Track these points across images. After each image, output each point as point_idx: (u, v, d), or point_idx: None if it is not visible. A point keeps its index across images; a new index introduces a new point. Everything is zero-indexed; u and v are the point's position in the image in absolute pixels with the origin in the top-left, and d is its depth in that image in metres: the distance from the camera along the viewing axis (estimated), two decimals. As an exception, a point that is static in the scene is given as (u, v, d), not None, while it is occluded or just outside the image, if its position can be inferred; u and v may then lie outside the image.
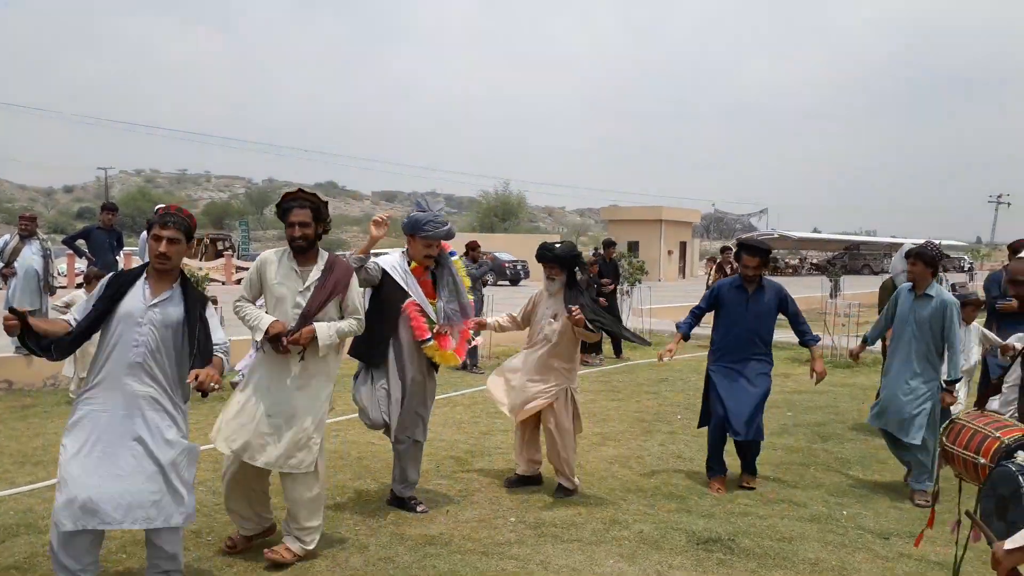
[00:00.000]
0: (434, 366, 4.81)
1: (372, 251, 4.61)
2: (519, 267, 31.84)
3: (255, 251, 41.26)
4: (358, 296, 4.16)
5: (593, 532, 4.54)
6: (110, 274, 3.41)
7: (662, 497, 5.22)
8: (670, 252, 42.84)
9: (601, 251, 12.20)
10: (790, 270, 53.04)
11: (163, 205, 3.52)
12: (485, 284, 11.14)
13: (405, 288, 4.69)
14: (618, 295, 12.63)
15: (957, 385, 5.27)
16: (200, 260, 31.87)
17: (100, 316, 3.23)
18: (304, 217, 3.91)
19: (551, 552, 4.22)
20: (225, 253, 33.90)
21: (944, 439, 3.25)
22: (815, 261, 55.75)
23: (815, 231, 70.66)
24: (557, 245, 5.24)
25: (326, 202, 4.06)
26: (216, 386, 3.14)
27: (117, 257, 9.68)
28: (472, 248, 11.07)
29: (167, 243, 3.26)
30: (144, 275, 3.35)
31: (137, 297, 3.27)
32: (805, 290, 24.48)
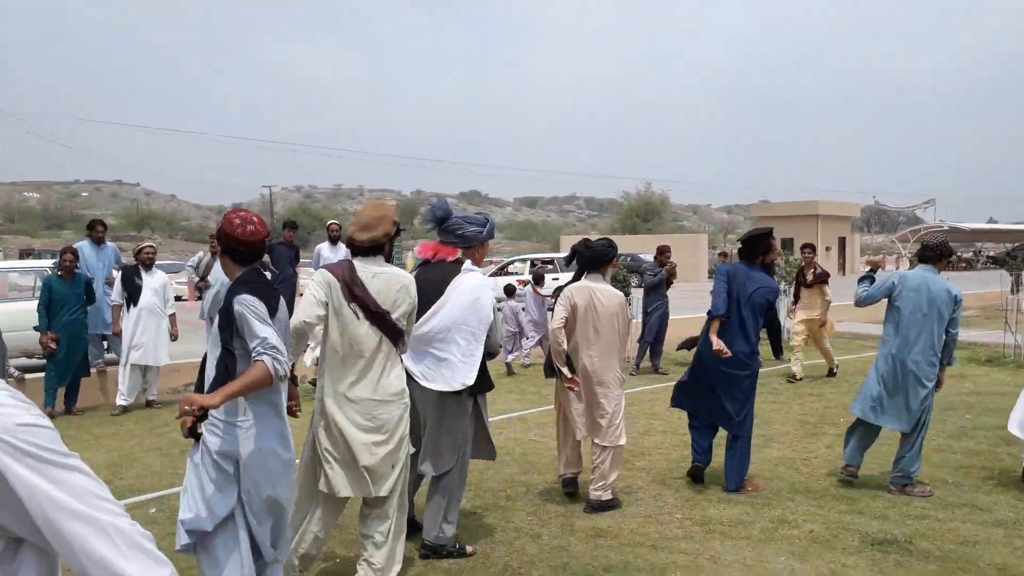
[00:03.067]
0: None
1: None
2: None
3: (407, 259, 43.04)
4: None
5: (762, 530, 4.56)
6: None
7: (831, 498, 5.14)
8: (828, 248, 40.87)
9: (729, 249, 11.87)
10: (963, 264, 49.15)
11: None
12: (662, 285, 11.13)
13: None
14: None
15: None
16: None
17: None
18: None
19: (720, 548, 4.29)
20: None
21: None
22: (992, 254, 51.31)
23: (991, 221, 65.00)
24: (596, 239, 5.25)
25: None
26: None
27: (296, 270, 10.54)
28: (661, 252, 11.14)
29: None
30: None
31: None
32: (982, 286, 22.72)
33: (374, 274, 3.61)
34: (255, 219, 3.11)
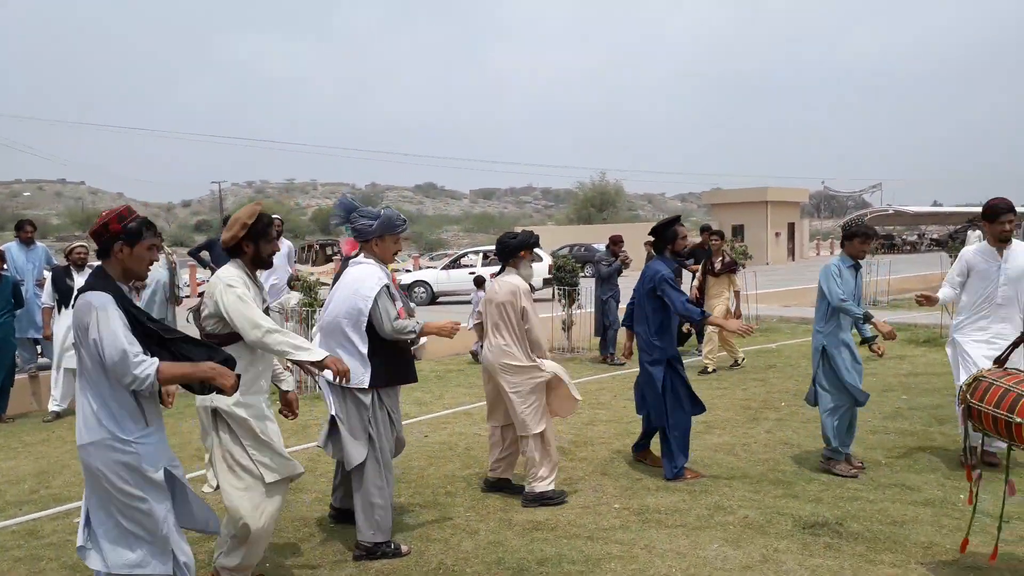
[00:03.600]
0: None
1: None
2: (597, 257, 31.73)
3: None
4: (227, 295, 3.60)
5: (697, 517, 4.58)
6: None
7: (768, 483, 5.19)
8: (777, 234, 41.55)
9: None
10: (908, 247, 50.38)
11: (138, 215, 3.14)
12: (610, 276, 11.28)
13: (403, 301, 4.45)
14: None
15: None
16: (311, 265, 33.29)
17: None
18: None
19: (655, 537, 4.30)
20: (334, 258, 35.32)
21: (969, 396, 3.37)
22: (935, 236, 52.75)
23: (935, 204, 66.79)
24: (519, 231, 5.27)
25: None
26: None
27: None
28: (614, 243, 11.18)
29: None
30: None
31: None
32: (924, 267, 23.30)
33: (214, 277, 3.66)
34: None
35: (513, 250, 5.04)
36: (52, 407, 7.94)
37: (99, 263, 3.05)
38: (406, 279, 21.66)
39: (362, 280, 4.15)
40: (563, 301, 11.52)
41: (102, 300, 2.77)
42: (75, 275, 8.02)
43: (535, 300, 5.17)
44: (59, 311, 7.96)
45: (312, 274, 11.04)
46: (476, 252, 22.83)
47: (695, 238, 11.92)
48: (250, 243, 3.63)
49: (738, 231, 38.87)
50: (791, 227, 43.24)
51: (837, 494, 4.91)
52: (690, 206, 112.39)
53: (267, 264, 3.72)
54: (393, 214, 4.36)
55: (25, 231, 9.16)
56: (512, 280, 4.97)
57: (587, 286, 12.06)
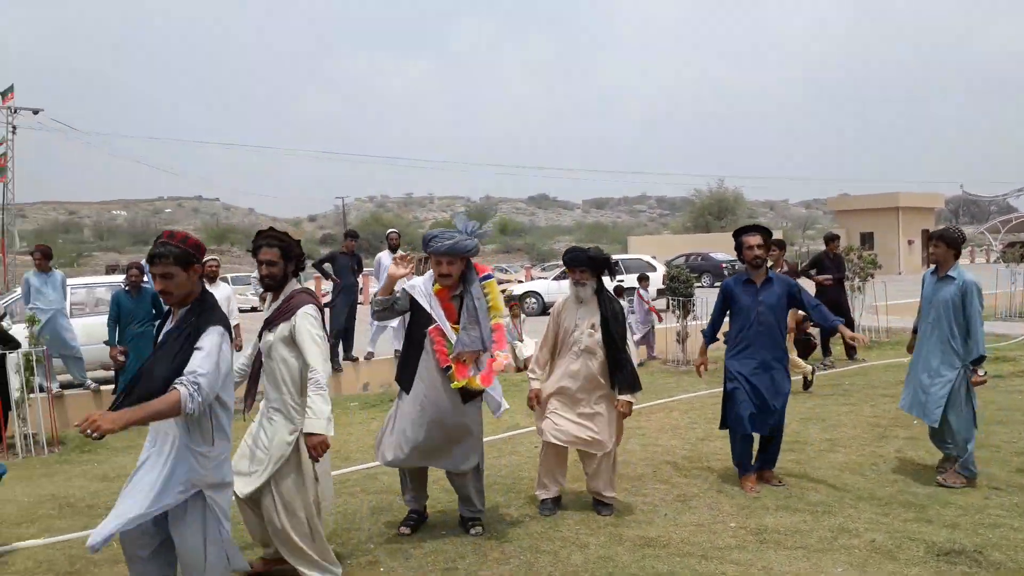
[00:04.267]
0: (471, 393, 4.45)
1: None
2: (739, 266, 30.65)
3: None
4: (310, 332, 3.74)
5: (820, 540, 4.36)
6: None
7: (898, 506, 4.88)
8: (910, 242, 39.27)
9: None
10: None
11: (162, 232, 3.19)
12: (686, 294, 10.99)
13: (430, 312, 4.43)
14: (848, 291, 11.84)
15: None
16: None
17: None
18: (272, 256, 3.85)
19: (773, 558, 4.12)
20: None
21: None
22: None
23: (1093, 207, 61.17)
24: (590, 249, 5.00)
25: (297, 241, 3.97)
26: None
27: (358, 279, 10.71)
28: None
29: (160, 280, 3.05)
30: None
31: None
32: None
33: None
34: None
35: (608, 266, 5.00)
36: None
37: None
38: (518, 290, 21.83)
39: None
40: (677, 312, 11.29)
41: None
42: (208, 287, 8.54)
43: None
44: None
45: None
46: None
47: (818, 245, 11.43)
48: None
49: (867, 239, 36.99)
50: (925, 234, 40.71)
51: (976, 520, 4.56)
52: (815, 213, 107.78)
53: (262, 284, 3.99)
54: (426, 235, 4.46)
55: None
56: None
57: (703, 297, 11.76)
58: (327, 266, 10.82)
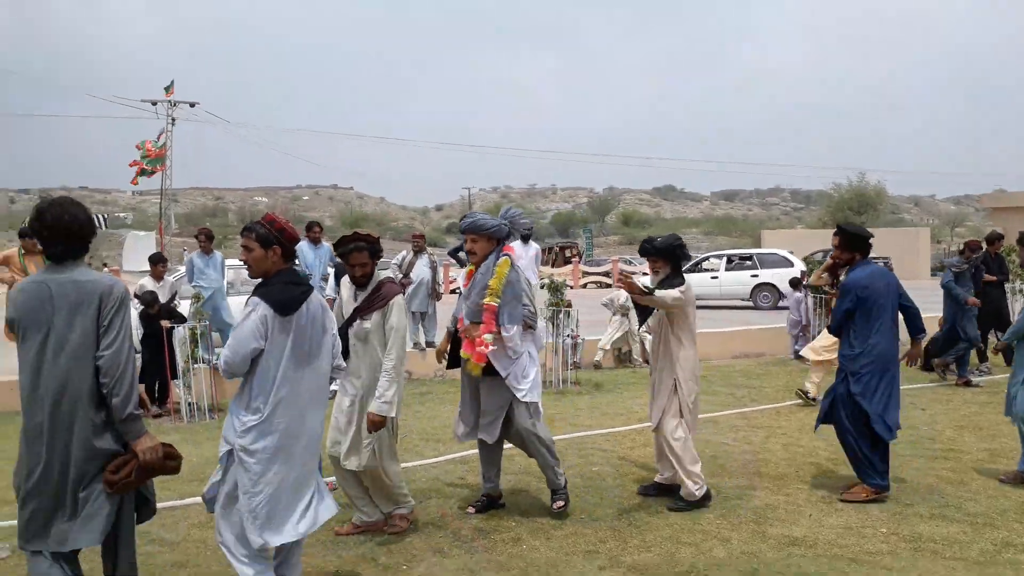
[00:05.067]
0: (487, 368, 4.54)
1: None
2: (881, 264, 28.75)
3: (599, 256, 43.23)
4: (401, 321, 4.23)
5: (981, 552, 4.13)
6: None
7: (1071, 523, 4.53)
8: (1075, 242, 35.88)
9: (984, 247, 10.37)
10: None
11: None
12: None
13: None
14: (1009, 294, 11.01)
15: None
16: (551, 267, 34.31)
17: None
18: (363, 259, 4.22)
19: (929, 568, 3.93)
20: (573, 260, 36.10)
21: None
22: None
23: None
24: (658, 239, 5.01)
25: (378, 238, 4.37)
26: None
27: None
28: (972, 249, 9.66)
29: (243, 251, 3.42)
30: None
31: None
32: None
33: None
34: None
35: (681, 252, 5.03)
36: None
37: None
38: (643, 281, 21.62)
39: None
40: (818, 309, 10.86)
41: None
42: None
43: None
44: (340, 302, 8.92)
45: (552, 275, 11.45)
46: (719, 256, 22.14)
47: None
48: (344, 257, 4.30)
49: (1025, 238, 34.14)
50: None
51: None
52: (965, 209, 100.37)
53: (356, 283, 4.31)
54: (468, 219, 4.77)
55: (313, 231, 10.37)
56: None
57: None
58: (461, 254, 11.14)
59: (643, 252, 5.04)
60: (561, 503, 4.72)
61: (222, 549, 3.35)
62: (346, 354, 4.09)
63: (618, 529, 4.52)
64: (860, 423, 4.97)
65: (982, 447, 6.28)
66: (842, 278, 7.66)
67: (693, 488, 4.84)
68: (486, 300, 4.49)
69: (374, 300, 4.22)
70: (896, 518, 4.68)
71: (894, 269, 10.69)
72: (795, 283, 12.02)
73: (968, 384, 9.08)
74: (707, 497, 4.90)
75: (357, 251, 4.21)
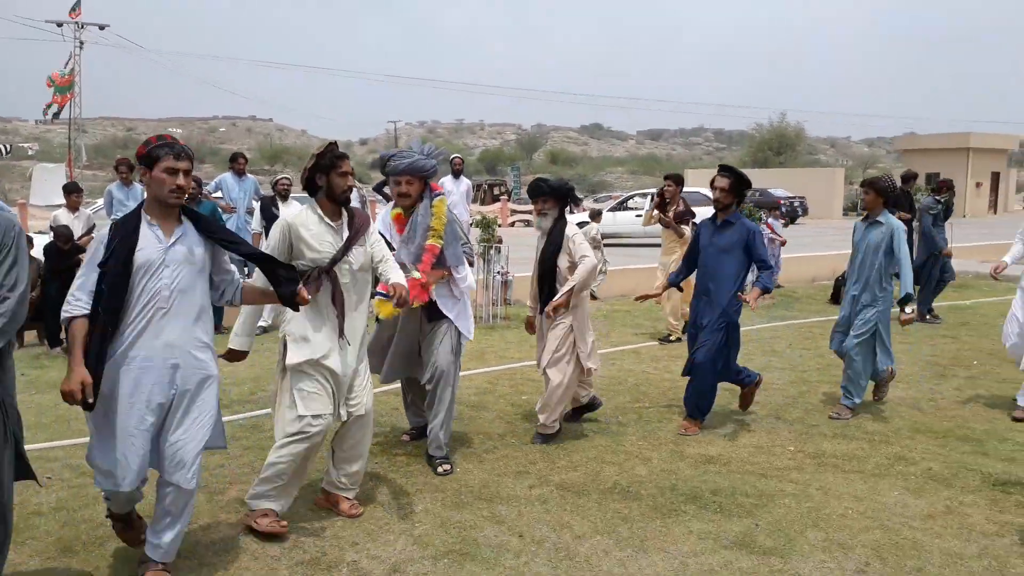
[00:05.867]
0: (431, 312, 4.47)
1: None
2: (796, 203, 29.88)
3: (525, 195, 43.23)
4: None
5: (876, 466, 4.52)
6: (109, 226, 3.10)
7: (955, 439, 4.99)
8: (979, 185, 37.93)
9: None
10: None
11: (160, 135, 3.14)
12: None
13: (388, 239, 4.41)
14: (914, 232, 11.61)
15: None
16: (479, 205, 34.25)
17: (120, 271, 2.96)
18: (350, 168, 3.67)
19: (831, 480, 4.30)
20: (501, 198, 36.10)
21: None
22: None
23: None
24: (552, 179, 5.06)
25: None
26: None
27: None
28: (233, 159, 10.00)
29: (184, 176, 3.02)
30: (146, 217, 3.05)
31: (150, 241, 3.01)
32: None
33: None
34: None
35: (571, 196, 5.09)
36: (260, 322, 8.85)
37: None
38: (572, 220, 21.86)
39: None
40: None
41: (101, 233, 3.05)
42: (280, 204, 8.82)
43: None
44: (265, 236, 8.81)
45: (479, 213, 11.50)
46: (644, 194, 22.53)
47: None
48: (323, 176, 3.60)
49: (932, 180, 35.84)
50: (995, 177, 39.29)
51: (1034, 456, 4.66)
52: (878, 151, 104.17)
53: (341, 200, 3.63)
54: (383, 154, 4.58)
55: (238, 163, 10.09)
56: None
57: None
58: (386, 189, 11.03)
59: (534, 192, 4.95)
60: (447, 466, 4.44)
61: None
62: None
63: (546, 451, 4.75)
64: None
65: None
66: (669, 214, 8.11)
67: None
68: (429, 242, 4.35)
69: (360, 227, 3.70)
70: (802, 438, 5.06)
71: (808, 209, 11.11)
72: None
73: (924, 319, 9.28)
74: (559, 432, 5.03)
75: (345, 159, 3.65)
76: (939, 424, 5.31)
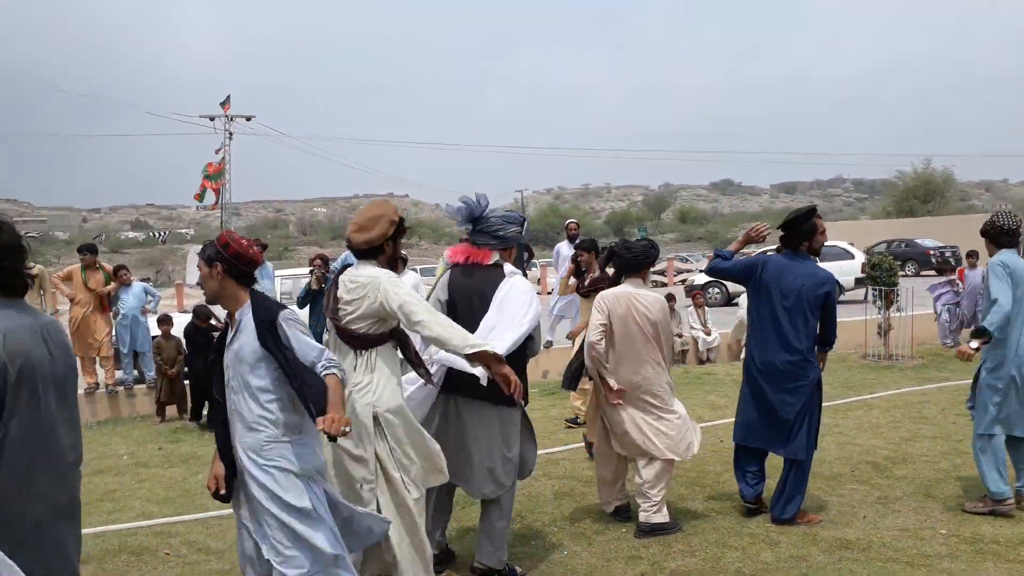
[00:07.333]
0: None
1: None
2: (948, 253, 27.65)
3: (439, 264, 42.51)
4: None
5: (1049, 555, 3.91)
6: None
7: None
8: None
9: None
10: None
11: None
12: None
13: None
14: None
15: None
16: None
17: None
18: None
19: (992, 571, 3.75)
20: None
21: None
22: None
23: None
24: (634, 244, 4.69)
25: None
26: (347, 428, 2.77)
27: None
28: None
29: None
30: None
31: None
32: None
33: (353, 277, 3.40)
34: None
35: (649, 262, 4.60)
36: None
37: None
38: (699, 280, 21.24)
39: (532, 294, 3.80)
40: (879, 303, 10.51)
41: None
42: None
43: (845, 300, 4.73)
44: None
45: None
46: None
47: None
48: (391, 242, 3.47)
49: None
50: None
51: None
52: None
53: (397, 265, 3.48)
54: (495, 221, 3.96)
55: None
56: (655, 295, 4.51)
57: (907, 286, 10.86)
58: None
59: (611, 258, 4.75)
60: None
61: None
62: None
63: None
64: None
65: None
66: (586, 281, 7.17)
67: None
68: None
69: None
70: (957, 519, 4.48)
71: (962, 259, 10.29)
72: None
73: None
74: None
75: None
76: None
